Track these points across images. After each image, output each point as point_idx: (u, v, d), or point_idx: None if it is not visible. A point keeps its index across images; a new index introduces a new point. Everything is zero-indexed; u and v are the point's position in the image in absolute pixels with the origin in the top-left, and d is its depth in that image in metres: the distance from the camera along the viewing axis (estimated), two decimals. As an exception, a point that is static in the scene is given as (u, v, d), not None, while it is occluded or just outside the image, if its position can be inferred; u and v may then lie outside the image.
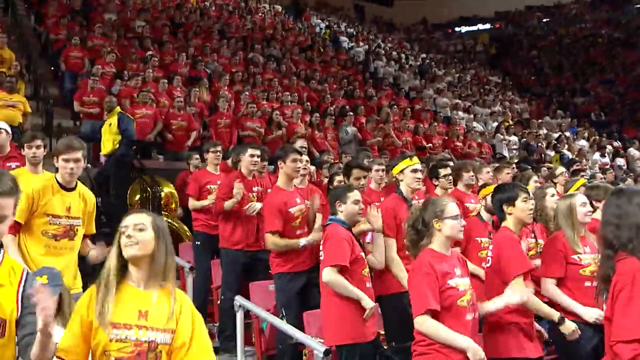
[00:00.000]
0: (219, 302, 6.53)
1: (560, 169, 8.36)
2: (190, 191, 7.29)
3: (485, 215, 5.52)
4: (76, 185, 4.63)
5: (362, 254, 4.52)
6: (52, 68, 13.54)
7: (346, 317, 4.40)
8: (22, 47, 14.25)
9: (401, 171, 5.26)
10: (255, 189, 6.44)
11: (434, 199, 4.03)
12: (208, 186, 7.14)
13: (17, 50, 13.96)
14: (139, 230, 2.75)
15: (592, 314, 4.19)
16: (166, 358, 2.68)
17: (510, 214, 4.31)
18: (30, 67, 13.37)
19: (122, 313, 2.68)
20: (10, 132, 6.68)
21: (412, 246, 3.85)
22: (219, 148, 7.41)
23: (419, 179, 5.32)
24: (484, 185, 5.81)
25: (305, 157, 6.24)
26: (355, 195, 4.60)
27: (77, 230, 4.57)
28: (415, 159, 5.36)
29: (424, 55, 24.30)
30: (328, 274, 4.39)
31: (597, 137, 18.51)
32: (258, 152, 6.49)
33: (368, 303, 4.36)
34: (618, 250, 3.09)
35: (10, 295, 2.62)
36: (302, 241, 5.33)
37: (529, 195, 4.40)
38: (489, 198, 5.32)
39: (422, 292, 3.59)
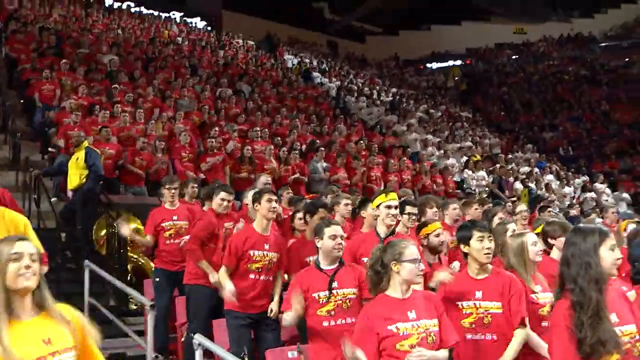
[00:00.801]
0: (182, 339, 6.46)
1: (521, 206, 8.31)
2: (145, 230, 7.23)
3: (429, 256, 5.27)
4: None
5: (321, 293, 4.43)
6: (22, 101, 13.46)
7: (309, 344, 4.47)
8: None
9: (377, 206, 5.26)
10: (226, 224, 6.43)
11: (394, 241, 4.00)
12: (163, 224, 7.05)
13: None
14: (33, 261, 2.64)
15: None
16: None
17: (467, 253, 4.28)
18: (-1, 99, 13.31)
19: (29, 349, 2.56)
20: None
21: (373, 287, 3.87)
22: (175, 185, 7.29)
23: (393, 215, 5.28)
24: (424, 224, 5.58)
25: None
26: (331, 230, 4.52)
27: None
28: (392, 195, 5.36)
29: (395, 91, 24.58)
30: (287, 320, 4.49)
31: (565, 171, 18.84)
32: (230, 198, 6.47)
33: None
34: (565, 288, 3.15)
35: None
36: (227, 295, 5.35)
37: (488, 234, 4.31)
38: (431, 237, 5.28)
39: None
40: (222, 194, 6.41)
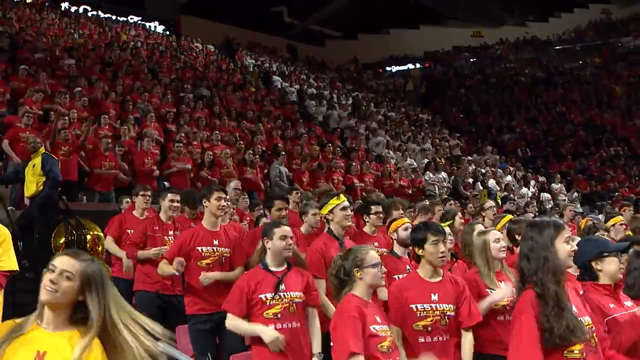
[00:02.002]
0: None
1: (489, 203, 8.49)
2: (110, 231, 7.12)
3: (399, 250, 5.38)
4: None
5: (269, 295, 4.34)
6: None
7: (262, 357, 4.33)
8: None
9: (330, 211, 5.27)
10: (171, 232, 6.37)
11: (354, 247, 4.08)
12: (129, 230, 6.93)
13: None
14: (65, 278, 2.62)
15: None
16: None
17: (422, 256, 4.28)
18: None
19: (18, 354, 2.55)
20: None
21: (336, 293, 3.94)
22: (149, 192, 7.24)
23: (349, 215, 5.36)
24: (393, 220, 5.67)
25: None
26: (282, 231, 4.49)
27: None
28: (342, 197, 5.41)
29: (355, 94, 24.68)
30: (228, 322, 4.42)
31: (523, 172, 19.15)
32: (177, 198, 6.48)
33: (268, 335, 4.22)
34: (527, 281, 3.24)
35: None
36: (175, 266, 5.24)
37: (442, 237, 4.30)
38: (400, 231, 5.33)
39: (344, 336, 3.60)
40: (170, 195, 6.43)
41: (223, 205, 5.54)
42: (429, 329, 4.10)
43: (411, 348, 4.07)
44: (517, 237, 5.32)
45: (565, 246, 3.30)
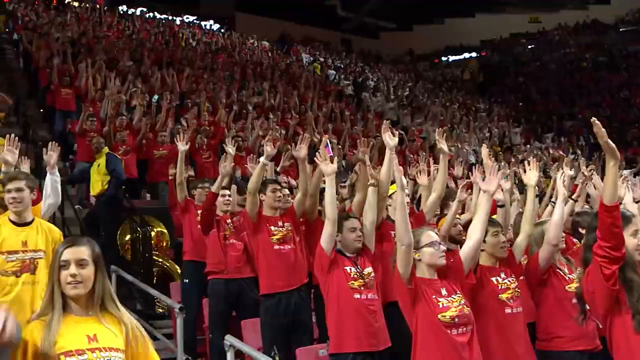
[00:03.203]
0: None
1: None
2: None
3: (451, 247, 5.19)
4: (32, 220, 4.60)
5: (352, 268, 4.52)
6: (42, 110, 13.53)
7: (334, 322, 4.50)
8: (11, 89, 14.27)
9: (389, 196, 5.32)
10: (228, 221, 6.43)
11: (412, 230, 4.08)
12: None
13: (6, 92, 13.98)
14: (81, 266, 2.67)
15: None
16: None
17: (482, 250, 4.27)
18: (19, 108, 13.37)
19: (70, 341, 2.61)
20: None
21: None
22: (207, 185, 7.34)
23: (407, 202, 5.36)
24: (443, 216, 5.61)
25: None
26: (351, 223, 4.61)
27: (37, 263, 4.49)
28: None
29: (410, 85, 24.47)
30: None
31: (587, 160, 18.59)
32: (228, 192, 6.54)
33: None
34: None
35: None
36: (262, 159, 5.60)
37: (501, 229, 4.38)
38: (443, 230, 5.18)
39: None
40: (222, 191, 6.46)
41: (279, 196, 5.70)
42: (511, 300, 4.21)
43: (497, 320, 4.16)
44: (580, 230, 5.11)
45: (632, 240, 3.23)
